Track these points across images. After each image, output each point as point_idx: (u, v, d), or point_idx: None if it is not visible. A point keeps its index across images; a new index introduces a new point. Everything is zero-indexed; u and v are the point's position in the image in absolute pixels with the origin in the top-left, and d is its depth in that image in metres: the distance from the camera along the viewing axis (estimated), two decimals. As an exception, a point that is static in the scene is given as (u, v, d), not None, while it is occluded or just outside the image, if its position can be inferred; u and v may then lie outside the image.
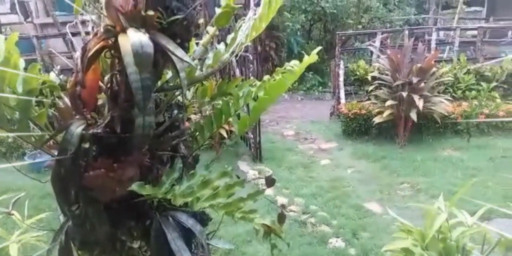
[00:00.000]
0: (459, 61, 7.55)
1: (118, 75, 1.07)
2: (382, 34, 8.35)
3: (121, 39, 0.93)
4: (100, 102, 1.15)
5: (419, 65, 5.89)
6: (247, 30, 1.13)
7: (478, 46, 7.98)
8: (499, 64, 7.17)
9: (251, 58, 5.36)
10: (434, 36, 8.44)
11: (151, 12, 0.95)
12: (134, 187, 1.03)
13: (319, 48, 1.22)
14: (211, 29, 1.24)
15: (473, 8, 14.56)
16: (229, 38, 1.23)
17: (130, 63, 0.91)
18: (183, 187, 1.10)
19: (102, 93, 1.14)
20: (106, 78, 1.10)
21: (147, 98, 0.96)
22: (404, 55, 6.05)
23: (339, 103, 7.46)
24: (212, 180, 1.12)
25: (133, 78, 0.93)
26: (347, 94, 7.76)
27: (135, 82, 0.93)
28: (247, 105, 1.30)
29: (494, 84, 6.92)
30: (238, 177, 1.17)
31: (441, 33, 12.19)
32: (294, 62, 1.28)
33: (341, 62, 7.80)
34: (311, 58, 1.15)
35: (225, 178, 1.14)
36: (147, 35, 0.93)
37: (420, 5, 14.55)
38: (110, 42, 0.99)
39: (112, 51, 1.02)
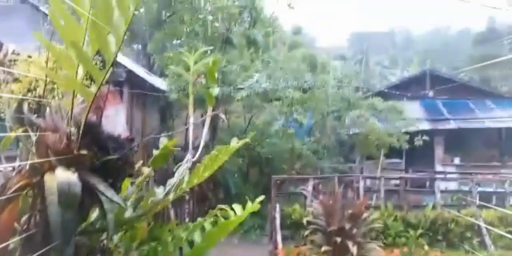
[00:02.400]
0: (387, 208, 7.93)
1: (38, 216, 0.98)
2: (314, 180, 8.74)
3: (48, 177, 0.88)
4: (11, 246, 1.02)
5: (349, 211, 6.08)
6: (184, 172, 1.13)
7: (402, 194, 8.52)
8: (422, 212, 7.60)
9: (187, 198, 5.28)
10: (361, 184, 8.97)
11: (84, 152, 0.93)
12: None
13: (262, 197, 1.25)
14: (146, 170, 1.23)
15: (393, 160, 16.02)
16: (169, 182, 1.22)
17: (53, 203, 0.85)
18: None
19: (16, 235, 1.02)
20: (23, 218, 1.00)
21: (67, 243, 0.87)
22: (335, 201, 6.26)
23: (276, 248, 7.25)
24: None
25: (54, 219, 0.85)
26: (284, 239, 7.62)
27: (55, 223, 0.84)
28: (180, 252, 1.21)
29: (420, 231, 7.21)
30: None
31: (368, 181, 13.01)
32: (236, 206, 1.27)
33: (277, 205, 7.88)
34: (254, 206, 1.16)
35: None
36: (76, 174, 0.89)
37: (346, 155, 15.85)
38: (34, 180, 0.93)
39: (35, 190, 0.96)
